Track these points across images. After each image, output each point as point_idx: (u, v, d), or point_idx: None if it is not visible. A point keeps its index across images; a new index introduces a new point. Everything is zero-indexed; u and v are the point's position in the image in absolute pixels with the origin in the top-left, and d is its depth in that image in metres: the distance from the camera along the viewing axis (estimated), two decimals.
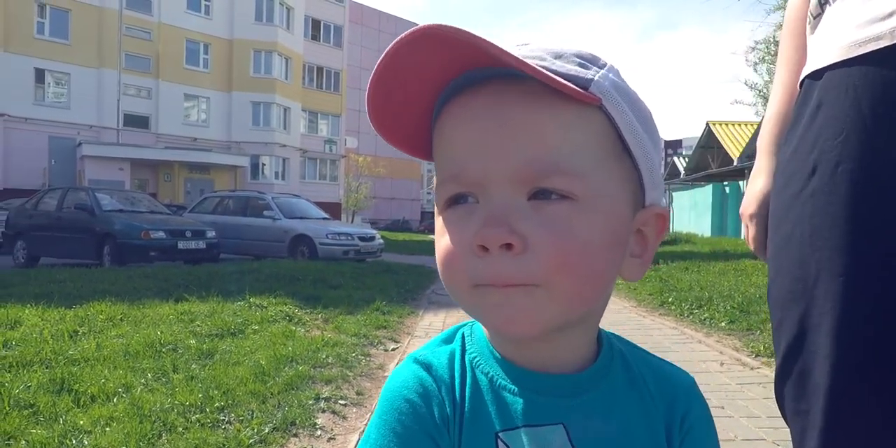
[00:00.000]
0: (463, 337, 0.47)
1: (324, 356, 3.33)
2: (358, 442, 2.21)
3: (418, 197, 56.42)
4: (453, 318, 5.15)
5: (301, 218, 11.16)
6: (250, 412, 2.39)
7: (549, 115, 0.38)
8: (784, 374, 0.69)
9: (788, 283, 0.68)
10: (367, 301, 5.36)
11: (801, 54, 0.78)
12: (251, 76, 26.79)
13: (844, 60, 0.62)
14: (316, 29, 31.44)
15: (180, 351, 3.29)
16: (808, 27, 0.73)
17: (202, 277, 6.41)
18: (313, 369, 3.08)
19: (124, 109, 23.45)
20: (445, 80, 0.39)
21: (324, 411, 2.53)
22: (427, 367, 0.45)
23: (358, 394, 2.81)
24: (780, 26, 10.99)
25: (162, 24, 24.65)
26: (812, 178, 0.64)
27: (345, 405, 2.64)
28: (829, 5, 0.67)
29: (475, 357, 0.45)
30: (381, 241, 11.48)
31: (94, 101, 22.67)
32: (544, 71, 0.36)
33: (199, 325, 3.93)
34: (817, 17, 0.70)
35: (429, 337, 4.37)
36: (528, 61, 0.36)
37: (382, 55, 0.38)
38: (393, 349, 3.84)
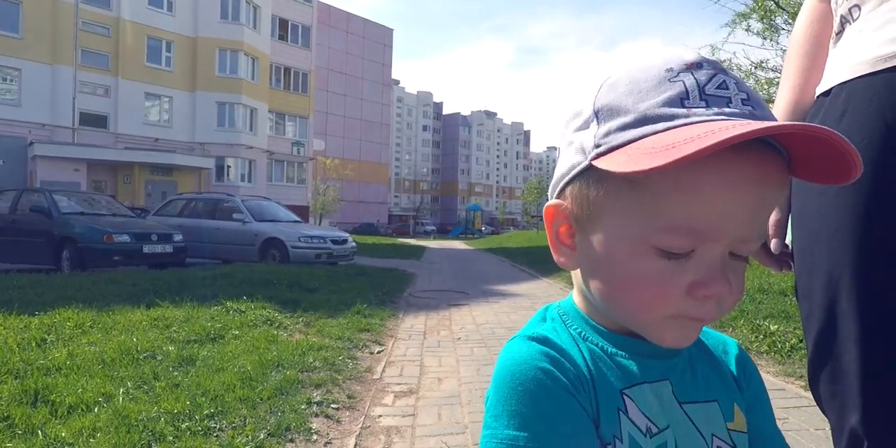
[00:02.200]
0: (559, 316, 0.52)
1: (310, 360, 3.26)
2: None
3: (386, 200, 56.09)
4: (434, 321, 5.14)
5: (271, 221, 10.91)
6: (242, 418, 2.32)
7: (785, 192, 0.45)
8: (817, 360, 0.74)
9: (817, 275, 0.72)
10: (347, 304, 5.29)
11: (807, 74, 0.83)
12: (216, 76, 26.10)
13: (871, 73, 0.66)
14: (283, 29, 30.94)
15: (159, 358, 3.17)
16: (830, 43, 0.78)
17: (172, 282, 6.19)
18: (301, 374, 3.02)
19: (80, 108, 22.47)
20: None
21: (317, 416, 2.48)
22: (543, 340, 0.48)
23: (349, 397, 2.76)
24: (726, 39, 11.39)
25: (121, 19, 23.77)
26: None
27: (337, 409, 2.60)
28: (850, 24, 0.72)
29: (580, 331, 0.50)
30: (354, 244, 11.34)
31: (48, 98, 21.66)
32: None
33: (175, 331, 3.80)
34: (839, 33, 0.75)
35: (412, 339, 4.37)
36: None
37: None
38: (378, 352, 3.80)
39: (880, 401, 0.66)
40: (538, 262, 11.33)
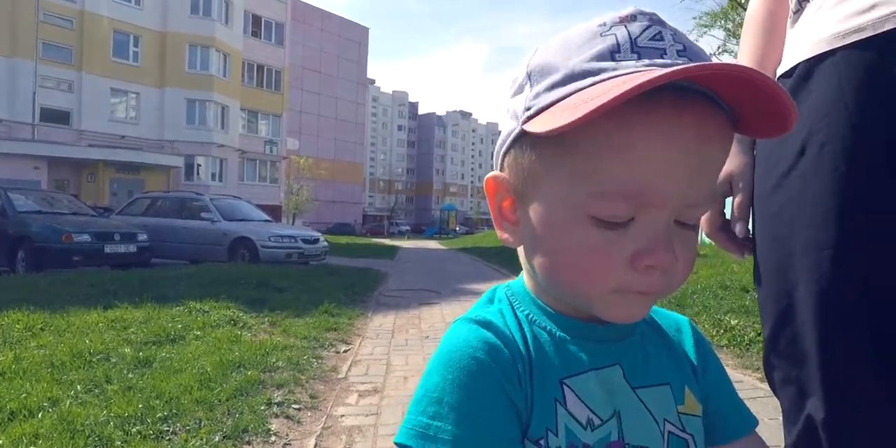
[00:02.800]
0: (507, 296, 0.50)
1: (273, 360, 3.18)
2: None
3: (361, 200, 55.67)
4: (403, 319, 5.10)
5: (241, 220, 10.70)
6: (197, 421, 2.24)
7: (728, 150, 0.41)
8: (773, 344, 0.72)
9: (777, 258, 0.71)
10: (315, 304, 5.21)
11: (764, 51, 0.82)
12: (186, 72, 25.49)
13: (831, 50, 0.65)
14: (256, 25, 30.41)
15: (113, 360, 3.05)
16: (788, 23, 0.77)
17: (134, 283, 6.00)
18: (263, 374, 2.94)
19: (41, 103, 21.67)
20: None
21: (277, 416, 2.41)
22: (486, 325, 0.45)
23: (312, 397, 2.70)
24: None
25: (86, 11, 23.02)
26: (801, 158, 0.67)
27: (298, 409, 2.53)
28: (809, 2, 0.71)
29: (528, 313, 0.48)
30: (326, 243, 11.21)
31: (6, 93, 20.80)
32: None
33: (133, 333, 3.67)
34: (797, 12, 0.74)
35: (380, 338, 4.31)
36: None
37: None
38: (345, 351, 3.74)
39: (840, 386, 0.65)
40: (511, 261, 11.38)
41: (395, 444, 0.42)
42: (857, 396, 0.63)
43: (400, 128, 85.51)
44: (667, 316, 0.55)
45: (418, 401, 0.42)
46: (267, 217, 11.82)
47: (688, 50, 0.38)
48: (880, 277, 0.62)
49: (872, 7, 0.61)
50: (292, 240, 10.16)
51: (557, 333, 0.46)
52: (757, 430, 0.53)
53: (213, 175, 26.39)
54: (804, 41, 0.70)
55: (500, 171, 0.46)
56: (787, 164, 0.69)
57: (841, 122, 0.63)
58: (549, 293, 0.47)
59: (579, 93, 0.37)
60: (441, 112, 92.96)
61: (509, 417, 0.42)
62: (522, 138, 0.42)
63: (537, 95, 0.40)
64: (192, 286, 5.85)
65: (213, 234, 10.12)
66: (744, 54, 0.85)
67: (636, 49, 0.37)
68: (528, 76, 0.42)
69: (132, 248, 8.81)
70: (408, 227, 58.92)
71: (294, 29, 36.73)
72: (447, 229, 46.82)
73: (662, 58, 0.37)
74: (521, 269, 0.50)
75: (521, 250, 0.47)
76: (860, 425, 0.64)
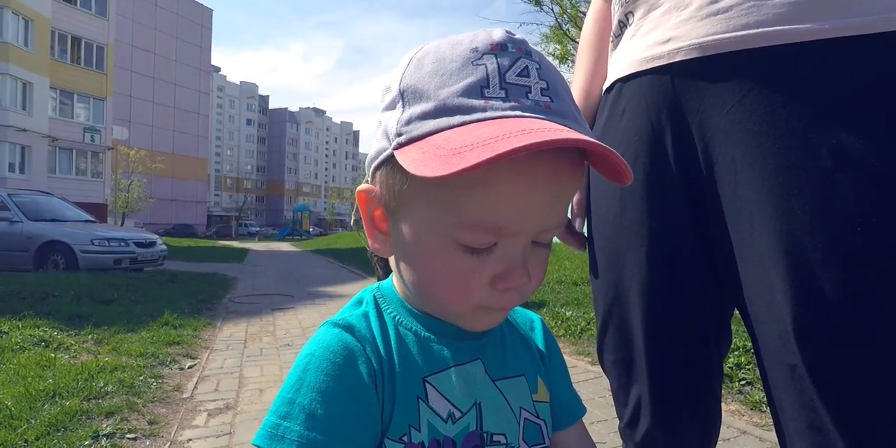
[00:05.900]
0: (375, 299, 0.52)
1: (100, 385, 2.77)
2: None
3: (204, 199, 50.96)
4: (256, 327, 4.81)
5: (53, 220, 9.12)
6: None
7: (579, 182, 0.45)
8: (604, 331, 0.82)
9: (606, 255, 0.80)
10: (152, 315, 4.67)
11: (595, 66, 0.92)
12: None
13: (640, 71, 0.75)
14: None
15: None
16: (610, 44, 0.87)
17: None
18: (87, 402, 2.55)
19: None
20: None
21: None
22: (348, 328, 0.47)
23: (151, 423, 2.41)
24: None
25: None
26: None
27: (134, 439, 2.24)
28: (627, 28, 0.81)
29: (395, 315, 0.50)
30: (164, 246, 10.07)
31: None
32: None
33: None
34: (618, 36, 0.83)
35: (231, 349, 4.01)
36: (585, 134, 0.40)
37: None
38: (190, 367, 3.40)
39: (665, 371, 0.74)
40: (366, 263, 11.33)
41: (252, 445, 0.43)
42: (676, 382, 0.75)
43: (249, 122, 79.91)
44: (522, 314, 0.61)
45: (275, 402, 0.44)
46: (89, 217, 10.26)
47: (550, 88, 0.42)
48: (688, 270, 0.72)
49: (668, 40, 0.71)
50: (122, 243, 8.95)
51: (423, 333, 0.49)
52: (590, 407, 0.61)
53: (12, 166, 22.00)
54: (621, 62, 0.80)
55: (372, 182, 0.47)
56: None
57: (649, 138, 0.73)
58: (416, 298, 0.49)
59: (449, 132, 0.39)
60: (294, 108, 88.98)
61: (360, 421, 0.43)
62: (393, 160, 0.42)
63: (409, 121, 0.41)
64: None
65: (12, 238, 8.48)
66: (578, 70, 0.95)
67: (504, 85, 0.40)
68: (402, 94, 0.42)
69: None
70: (258, 228, 55.30)
71: (122, 1, 32.28)
72: (300, 231, 44.95)
73: (528, 96, 0.40)
74: (377, 271, 0.52)
75: (392, 258, 0.49)
76: (681, 406, 0.76)
